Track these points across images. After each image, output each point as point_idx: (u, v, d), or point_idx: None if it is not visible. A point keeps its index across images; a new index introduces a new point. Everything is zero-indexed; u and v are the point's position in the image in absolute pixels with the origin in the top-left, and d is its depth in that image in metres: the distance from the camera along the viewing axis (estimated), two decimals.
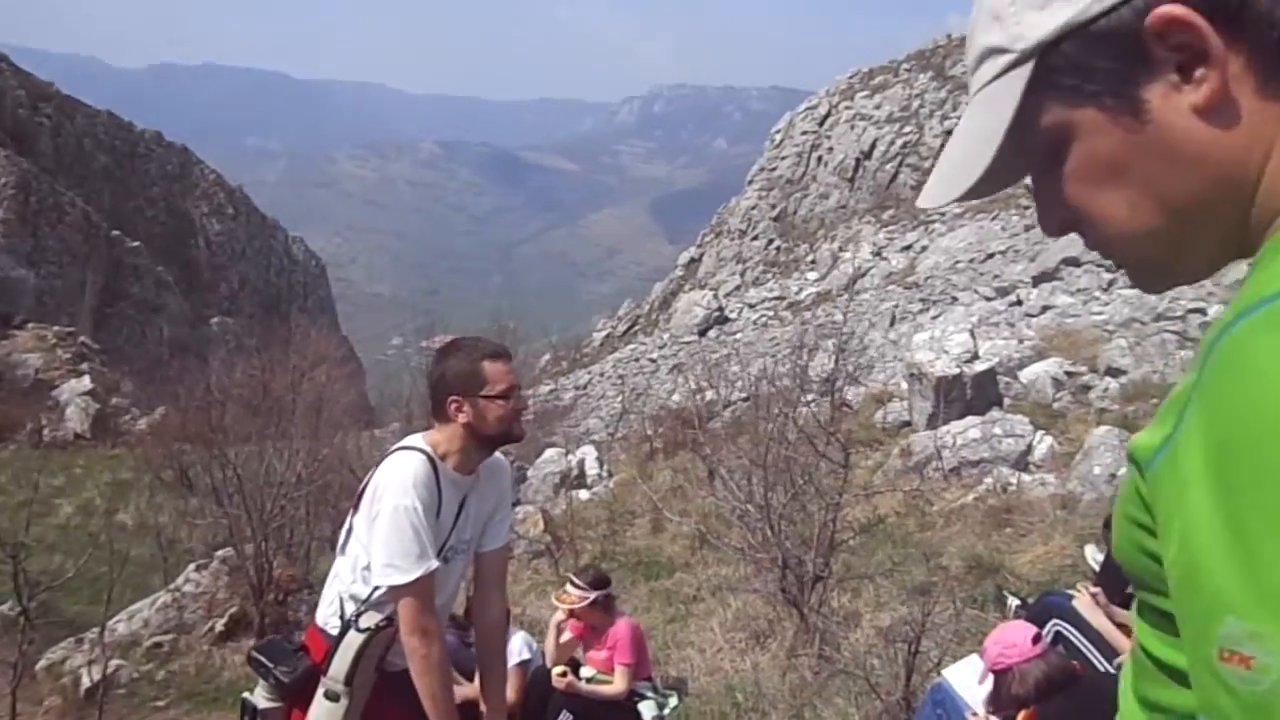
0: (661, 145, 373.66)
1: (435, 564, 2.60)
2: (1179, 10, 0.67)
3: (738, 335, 27.65)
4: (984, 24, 0.77)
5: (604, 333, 40.06)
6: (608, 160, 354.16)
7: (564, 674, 5.22)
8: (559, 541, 9.86)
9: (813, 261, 34.89)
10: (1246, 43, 0.67)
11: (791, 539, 6.16)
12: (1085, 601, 4.26)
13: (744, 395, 13.42)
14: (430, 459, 2.67)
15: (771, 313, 29.90)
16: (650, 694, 5.40)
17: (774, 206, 39.95)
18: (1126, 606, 4.51)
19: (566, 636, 5.54)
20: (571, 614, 5.42)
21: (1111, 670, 3.78)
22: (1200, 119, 0.69)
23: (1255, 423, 0.58)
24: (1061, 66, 0.73)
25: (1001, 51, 0.75)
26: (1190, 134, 0.70)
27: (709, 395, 15.02)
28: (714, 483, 8.80)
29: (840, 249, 33.91)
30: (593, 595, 5.30)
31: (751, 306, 31.36)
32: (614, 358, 31.71)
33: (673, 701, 5.43)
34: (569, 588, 5.41)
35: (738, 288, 35.90)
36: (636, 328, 38.03)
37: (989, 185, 0.79)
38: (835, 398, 10.59)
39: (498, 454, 2.95)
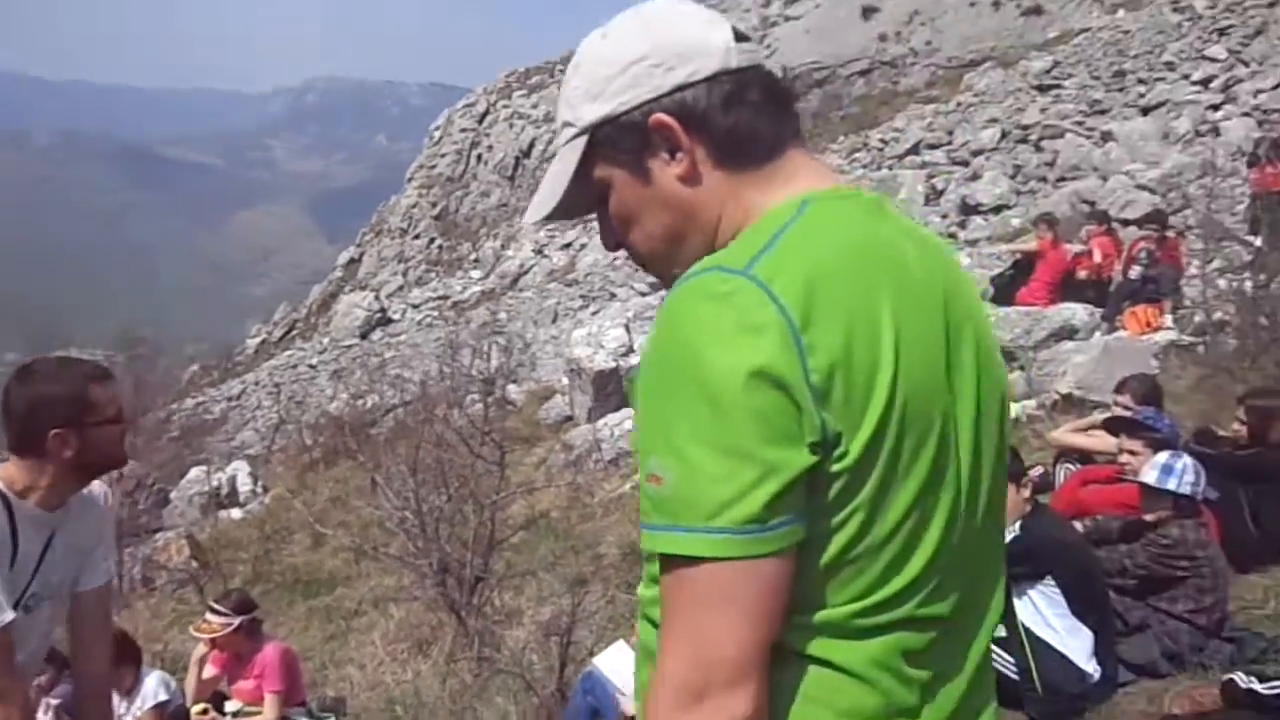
0: (317, 140, 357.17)
1: (10, 616, 2.27)
2: (665, 118, 1.08)
3: (401, 337, 27.01)
4: (562, 103, 1.17)
5: (259, 339, 37.68)
6: (259, 155, 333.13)
7: (205, 711, 4.84)
8: (206, 567, 9.13)
9: (476, 260, 34.88)
10: (706, 137, 1.09)
11: (451, 542, 6.10)
12: None
13: (407, 399, 13.15)
14: (3, 497, 2.32)
15: (436, 313, 29.51)
16: (305, 719, 5.13)
17: (435, 205, 39.51)
18: None
19: (210, 671, 5.13)
20: (214, 644, 5.03)
21: None
22: (682, 184, 1.11)
23: (655, 342, 0.98)
24: (604, 140, 1.12)
25: (569, 125, 1.15)
26: (674, 191, 1.11)
27: (371, 400, 14.56)
28: (375, 491, 8.55)
29: (502, 247, 34.18)
30: (236, 621, 4.95)
31: (415, 307, 30.78)
32: (270, 365, 29.87)
33: None
34: (209, 616, 5.02)
35: (400, 288, 35.13)
36: (294, 332, 36.12)
37: (569, 212, 1.18)
38: (493, 397, 10.61)
39: (94, 482, 2.63)
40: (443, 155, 41.33)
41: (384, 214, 42.08)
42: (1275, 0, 18.90)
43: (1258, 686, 3.17)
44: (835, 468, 0.96)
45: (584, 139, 1.12)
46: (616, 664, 4.09)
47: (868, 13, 33.30)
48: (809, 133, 29.21)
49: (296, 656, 5.39)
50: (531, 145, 38.53)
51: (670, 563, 0.95)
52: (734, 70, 1.09)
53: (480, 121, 41.61)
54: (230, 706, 5.05)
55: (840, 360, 0.94)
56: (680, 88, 1.08)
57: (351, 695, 5.70)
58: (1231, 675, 3.33)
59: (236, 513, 11.69)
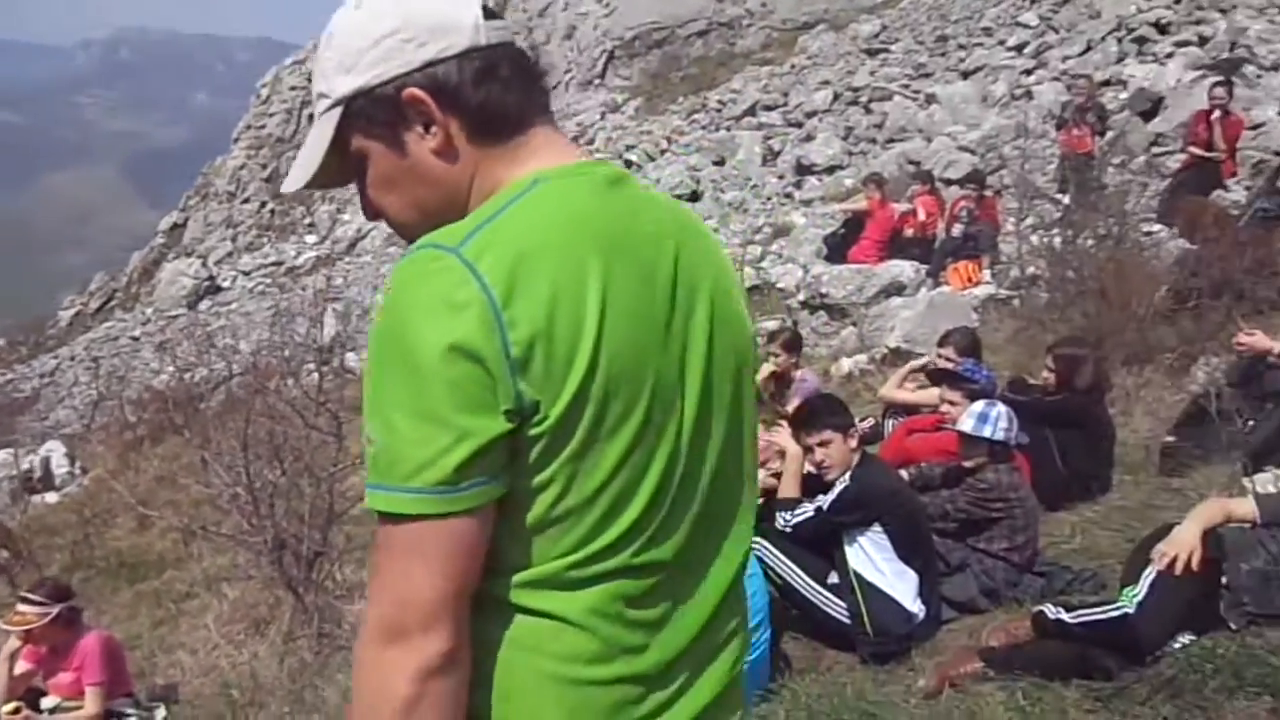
0: (131, 97, 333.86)
1: None
2: (417, 92, 1.12)
3: (232, 305, 25.74)
4: (316, 74, 1.21)
5: (73, 311, 35.24)
6: (67, 113, 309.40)
7: (17, 710, 4.54)
8: (18, 556, 8.53)
9: (310, 224, 33.53)
10: (459, 112, 1.14)
11: (288, 517, 5.88)
12: None
13: (238, 370, 12.57)
14: None
15: (268, 280, 28.23)
16: (131, 710, 4.89)
17: (265, 166, 37.68)
18: None
19: (22, 667, 4.81)
20: (28, 638, 4.71)
21: None
22: (436, 157, 1.16)
23: (380, 312, 1.05)
24: (358, 112, 1.16)
25: (324, 96, 1.19)
26: (430, 166, 1.16)
27: (199, 373, 13.85)
28: (205, 468, 8.15)
29: (339, 210, 32.97)
30: (55, 609, 4.65)
31: (246, 274, 29.36)
32: (87, 338, 27.98)
33: (160, 714, 4.97)
34: (21, 607, 4.70)
35: (230, 254, 33.42)
36: (113, 303, 33.93)
37: (329, 182, 1.24)
38: (329, 366, 10.28)
39: None
40: (271, 115, 39.38)
41: (209, 176, 39.82)
42: None
43: (1065, 616, 3.39)
44: (534, 432, 1.03)
45: (339, 110, 1.16)
46: None
47: None
48: (649, 93, 29.27)
49: (120, 645, 5.12)
50: None
51: (380, 517, 1.04)
52: (484, 47, 1.14)
53: (310, 79, 39.81)
54: (47, 703, 4.77)
55: (541, 332, 1.02)
56: (431, 63, 1.13)
57: (183, 682, 5.46)
58: (1041, 608, 3.55)
59: (52, 496, 10.96)
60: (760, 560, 3.82)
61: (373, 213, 1.22)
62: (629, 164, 23.07)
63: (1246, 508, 3.57)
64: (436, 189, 1.17)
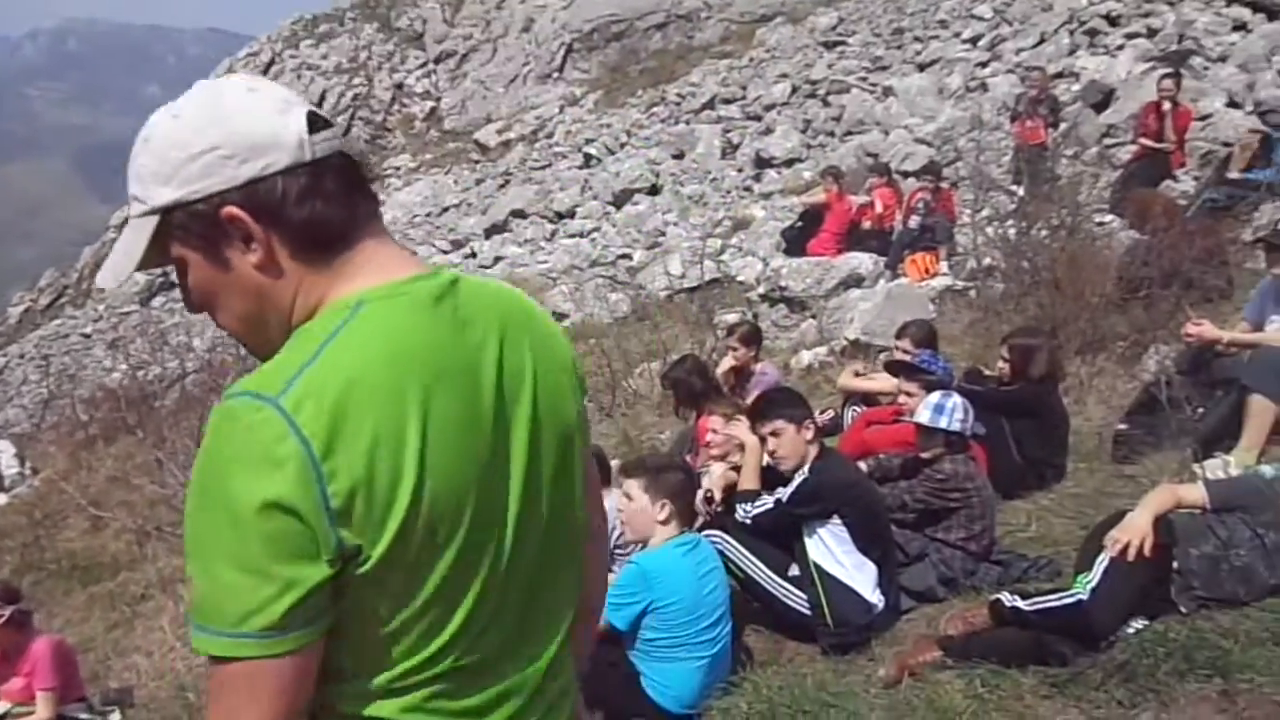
0: (81, 89, 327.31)
1: None
2: (236, 211, 1.11)
3: None
4: (131, 175, 1.17)
5: (22, 307, 34.51)
6: (15, 105, 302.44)
7: None
8: None
9: None
10: (281, 228, 1.13)
11: None
12: None
13: (194, 368, 12.37)
14: None
15: None
16: (85, 715, 4.81)
17: None
18: None
19: None
20: None
21: None
22: (258, 272, 1.14)
23: (201, 453, 1.07)
24: (177, 223, 1.14)
25: (139, 200, 1.16)
26: (251, 280, 1.15)
27: (153, 371, 13.62)
28: (160, 468, 8.02)
29: None
30: (5, 613, 4.57)
31: None
32: (37, 335, 27.44)
33: (114, 718, 4.89)
34: None
35: None
36: (64, 299, 33.26)
37: (154, 266, 1.21)
38: None
39: None
40: None
41: None
42: None
43: (1021, 604, 3.44)
44: (359, 572, 1.06)
45: (155, 218, 1.15)
46: None
47: None
48: (607, 86, 29.21)
49: (71, 649, 5.04)
50: (323, 98, 36.73)
51: (210, 658, 1.07)
52: (309, 162, 1.13)
53: (265, 72, 39.23)
54: None
55: (361, 480, 1.04)
56: (253, 181, 1.11)
57: (139, 685, 5.38)
58: (998, 596, 3.60)
59: (1, 498, 10.73)
60: (721, 554, 3.83)
61: (196, 309, 1.22)
62: (588, 158, 23.02)
63: (1196, 494, 3.64)
64: (258, 303, 1.16)
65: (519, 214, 21.06)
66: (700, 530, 3.99)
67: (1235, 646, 3.11)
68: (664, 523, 3.58)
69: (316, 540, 1.03)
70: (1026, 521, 4.61)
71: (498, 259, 18.32)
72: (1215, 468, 4.54)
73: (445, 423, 1.11)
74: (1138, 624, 3.35)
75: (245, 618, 1.03)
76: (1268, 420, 4.58)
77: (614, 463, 5.11)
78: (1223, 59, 14.24)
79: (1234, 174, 8.91)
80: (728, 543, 3.94)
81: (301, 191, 1.12)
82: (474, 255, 19.41)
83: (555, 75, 32.08)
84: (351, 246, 1.17)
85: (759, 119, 20.99)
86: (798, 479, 3.91)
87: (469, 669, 1.17)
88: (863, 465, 4.66)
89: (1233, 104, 12.29)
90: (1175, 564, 3.43)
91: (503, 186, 24.43)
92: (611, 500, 4.34)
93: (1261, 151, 8.87)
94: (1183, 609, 3.37)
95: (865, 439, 5.19)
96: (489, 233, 21.12)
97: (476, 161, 29.05)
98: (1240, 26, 14.98)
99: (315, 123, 1.15)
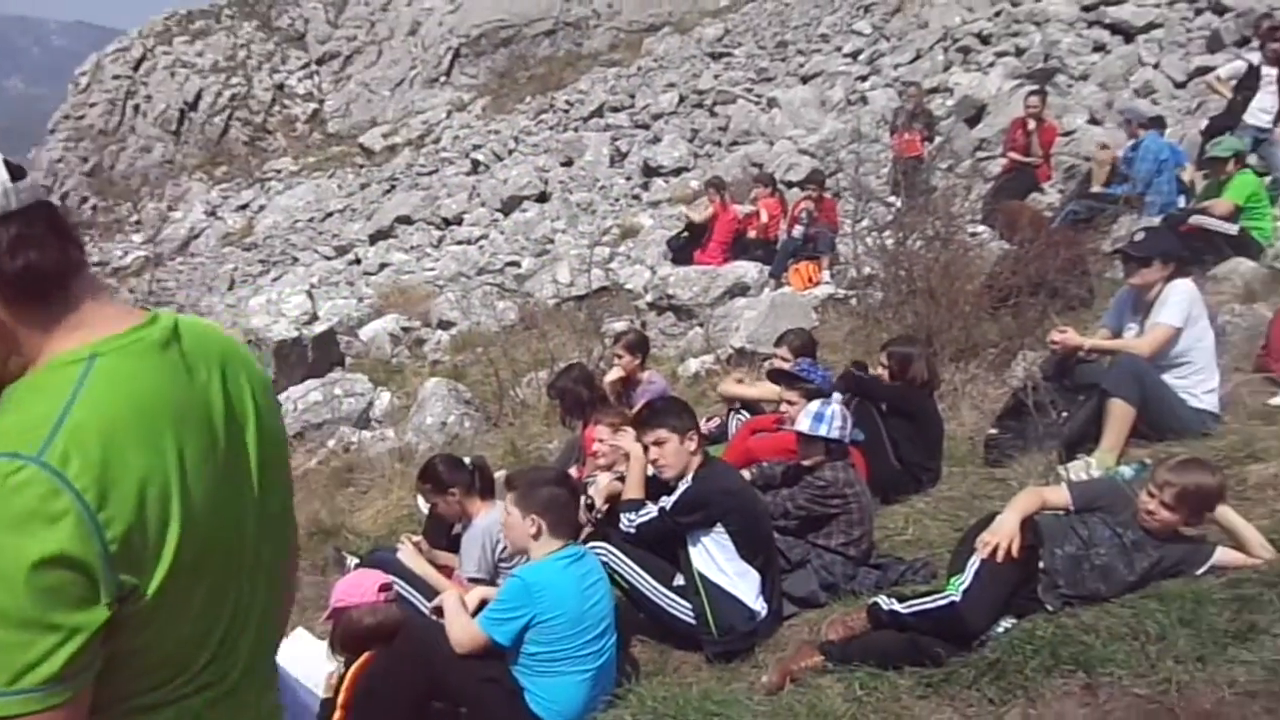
0: None
1: None
2: None
3: None
4: None
5: None
6: None
7: None
8: None
9: (137, 222, 31.69)
10: None
11: None
12: (409, 550, 4.45)
13: None
14: None
15: None
16: None
17: (86, 160, 35.43)
18: (453, 550, 4.81)
19: None
20: None
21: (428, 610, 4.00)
22: None
23: None
24: None
25: None
26: None
27: None
28: None
29: (169, 208, 31.33)
30: None
31: None
32: None
33: None
34: None
35: None
36: None
37: None
38: None
39: None
40: (92, 105, 37.04)
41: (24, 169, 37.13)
42: None
43: (897, 607, 3.52)
44: (133, 609, 1.11)
45: None
46: (296, 652, 3.89)
47: None
48: (495, 93, 29.01)
49: None
50: (198, 97, 35.46)
51: None
52: (16, 211, 1.14)
53: (136, 69, 37.64)
54: None
55: (135, 525, 1.09)
56: None
57: None
58: (876, 599, 3.68)
59: None
60: (606, 566, 3.81)
61: None
62: (476, 164, 22.78)
63: (1060, 496, 3.80)
64: None
65: (405, 220, 20.72)
66: (585, 541, 3.97)
67: (1097, 642, 3.24)
68: (535, 537, 3.56)
69: (97, 586, 1.06)
70: (904, 525, 4.73)
71: (383, 265, 17.97)
72: (1078, 469, 4.75)
73: (195, 461, 1.18)
74: (1007, 623, 3.46)
75: (24, 672, 1.04)
76: (1126, 423, 4.81)
77: (499, 474, 5.05)
78: (1085, 77, 14.99)
79: (1096, 188, 9.38)
80: (612, 554, 3.93)
81: (13, 242, 1.13)
82: (359, 261, 18.99)
83: (442, 80, 31.68)
84: (69, 297, 1.18)
85: (647, 128, 21.16)
86: (680, 488, 3.92)
87: (216, 693, 1.25)
88: (745, 473, 4.70)
89: (1094, 120, 12.96)
90: (1041, 564, 3.56)
91: (388, 192, 23.99)
92: (496, 513, 4.30)
93: (1119, 167, 9.37)
94: (1049, 607, 3.50)
95: (750, 447, 5.24)
96: (374, 239, 20.72)
97: (361, 166, 28.45)
98: (1100, 47, 15.81)
99: (15, 171, 1.17)
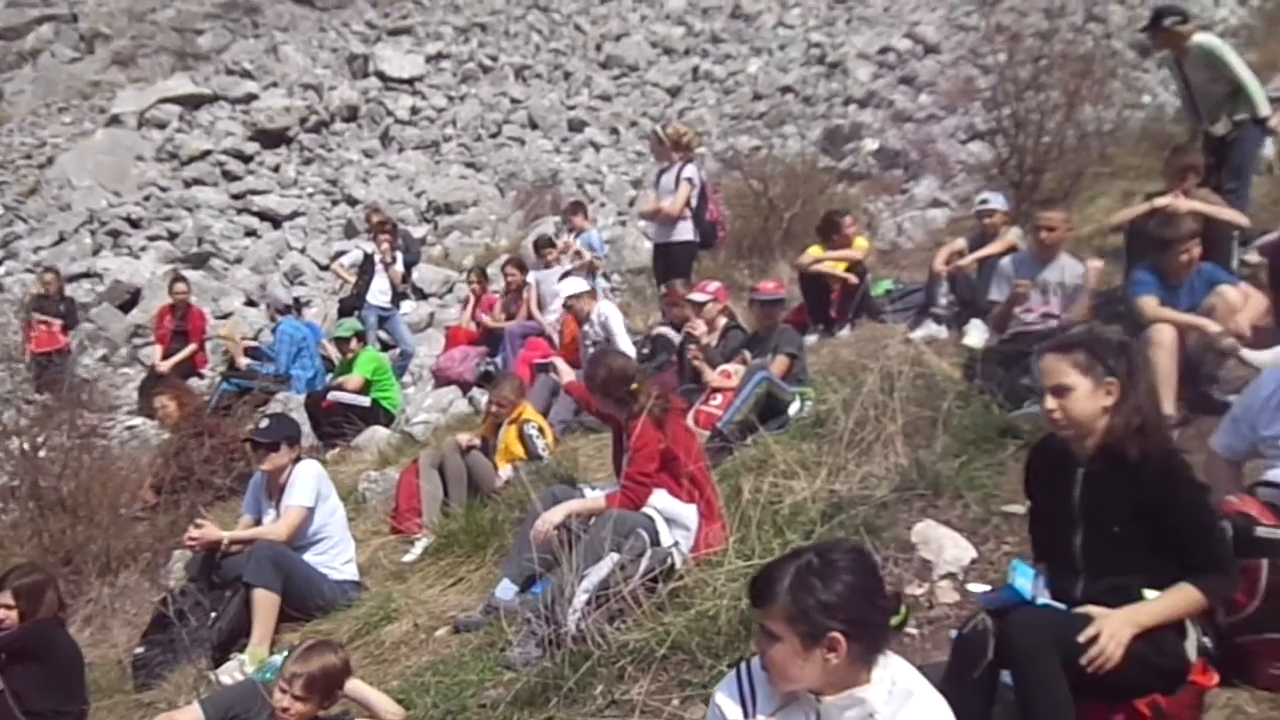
0: None
1: None
2: None
3: None
4: None
5: None
6: None
7: None
8: None
9: None
10: None
11: None
12: None
13: None
14: None
15: None
16: None
17: None
18: None
19: None
20: None
21: None
22: None
23: None
24: None
25: None
26: None
27: None
28: None
29: None
30: None
31: None
32: None
33: None
34: None
35: None
36: None
37: None
38: None
39: None
40: None
41: None
42: (44, 162, 19.60)
43: None
44: None
45: None
46: None
47: None
48: None
49: None
50: None
51: None
52: None
53: None
54: None
55: None
56: None
57: None
58: None
59: None
60: None
61: None
62: None
63: (192, 714, 3.61)
64: None
65: None
66: None
67: None
68: None
69: None
70: None
71: None
72: (231, 670, 4.59)
73: None
74: None
75: None
76: (272, 611, 4.80)
77: None
78: (239, 260, 15.52)
79: (241, 365, 9.61)
80: None
81: None
82: None
83: None
84: None
85: None
86: None
87: None
88: None
89: (250, 303, 13.43)
90: None
91: None
92: None
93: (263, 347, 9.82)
94: None
95: None
96: None
97: None
98: (251, 232, 16.58)
99: None
